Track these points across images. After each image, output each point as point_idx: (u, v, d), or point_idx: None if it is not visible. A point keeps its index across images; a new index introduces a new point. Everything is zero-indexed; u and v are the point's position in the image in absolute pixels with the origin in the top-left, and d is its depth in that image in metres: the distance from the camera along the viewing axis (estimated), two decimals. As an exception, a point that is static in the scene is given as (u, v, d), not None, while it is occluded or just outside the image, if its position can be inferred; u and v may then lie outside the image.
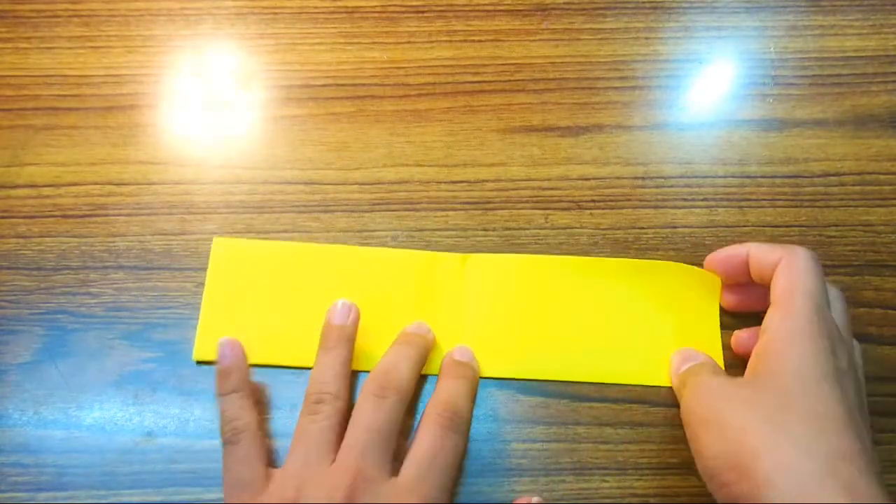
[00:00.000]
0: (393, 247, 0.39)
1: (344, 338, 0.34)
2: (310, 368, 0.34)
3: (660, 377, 0.36)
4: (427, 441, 0.31)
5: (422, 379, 0.35)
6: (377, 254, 0.38)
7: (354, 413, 0.32)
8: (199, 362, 0.36)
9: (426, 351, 0.35)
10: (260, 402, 0.35)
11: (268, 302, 0.37)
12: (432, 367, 0.35)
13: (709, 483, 0.29)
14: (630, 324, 0.36)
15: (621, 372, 0.36)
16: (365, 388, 0.32)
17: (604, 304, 0.37)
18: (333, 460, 0.30)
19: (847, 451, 0.27)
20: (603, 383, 0.36)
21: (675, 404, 0.35)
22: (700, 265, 0.37)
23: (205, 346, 0.36)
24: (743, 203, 0.40)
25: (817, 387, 0.28)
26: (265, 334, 0.36)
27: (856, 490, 0.25)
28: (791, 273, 0.32)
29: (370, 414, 0.31)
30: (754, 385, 0.30)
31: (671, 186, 0.40)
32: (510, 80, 0.43)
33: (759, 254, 0.34)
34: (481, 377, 0.35)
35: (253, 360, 0.35)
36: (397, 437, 0.32)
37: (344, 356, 0.34)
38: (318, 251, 0.38)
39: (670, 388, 0.35)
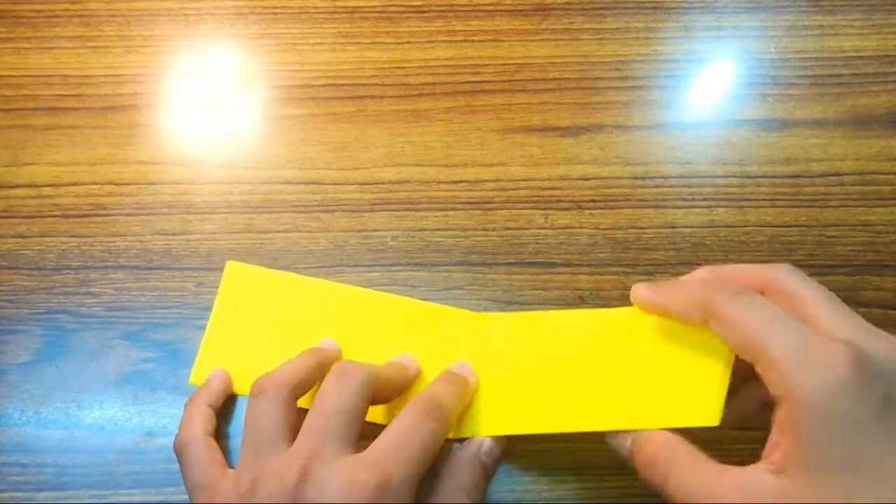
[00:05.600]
0: (393, 246, 0.39)
1: (319, 353, 0.32)
2: (304, 409, 0.30)
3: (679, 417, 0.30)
4: (400, 421, 0.28)
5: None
6: (391, 302, 0.36)
7: (315, 398, 0.29)
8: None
9: (406, 380, 0.33)
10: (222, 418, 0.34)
11: (273, 336, 0.35)
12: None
13: None
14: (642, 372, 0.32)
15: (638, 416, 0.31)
16: (328, 374, 0.30)
17: (616, 355, 0.32)
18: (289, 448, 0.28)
19: None
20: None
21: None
22: (700, 265, 0.37)
23: (203, 370, 0.35)
24: (743, 203, 0.40)
25: (881, 453, 0.23)
26: (263, 368, 0.33)
27: None
28: (736, 322, 0.26)
29: (332, 397, 0.29)
30: (810, 489, 0.23)
31: (671, 186, 0.40)
32: (510, 80, 0.43)
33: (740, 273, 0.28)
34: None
35: (246, 392, 0.33)
36: (362, 422, 0.29)
37: (312, 362, 0.32)
38: (332, 290, 0.36)
39: None
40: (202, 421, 0.32)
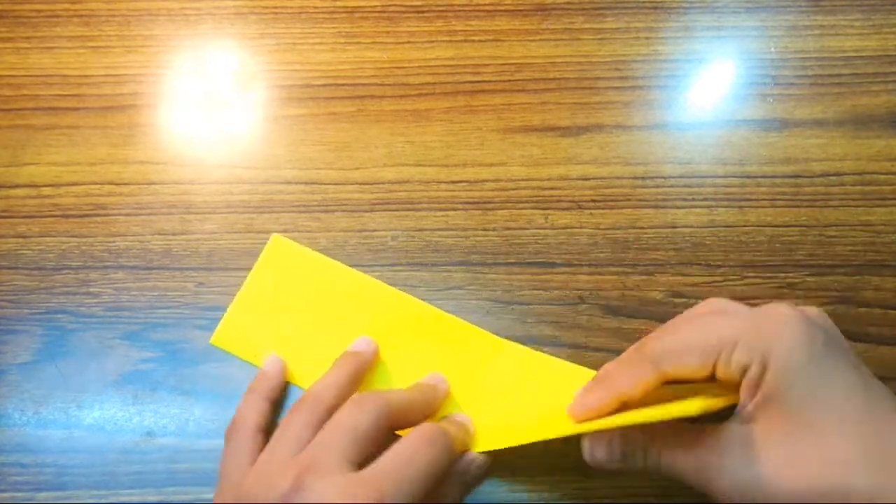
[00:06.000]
0: (393, 246, 0.39)
1: (357, 360, 0.33)
2: None
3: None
4: (403, 444, 0.28)
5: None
6: (420, 308, 0.36)
7: (334, 415, 0.30)
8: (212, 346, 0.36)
9: (434, 401, 0.33)
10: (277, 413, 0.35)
11: (300, 315, 0.36)
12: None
13: None
14: None
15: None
16: (350, 399, 0.31)
17: None
18: None
19: None
20: None
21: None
22: (700, 264, 0.37)
23: (226, 333, 0.36)
24: (743, 203, 0.40)
25: (835, 386, 0.26)
26: (285, 346, 0.36)
27: None
28: (688, 347, 0.28)
29: (347, 415, 0.29)
30: (780, 432, 0.26)
31: (671, 186, 0.40)
32: (510, 80, 0.43)
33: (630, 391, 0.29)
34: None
35: (260, 363, 0.35)
36: (372, 446, 0.29)
37: (352, 372, 0.33)
38: (370, 286, 0.37)
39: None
40: (257, 415, 0.32)
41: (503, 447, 0.31)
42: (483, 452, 0.32)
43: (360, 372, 0.34)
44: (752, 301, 0.37)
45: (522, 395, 0.34)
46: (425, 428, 0.29)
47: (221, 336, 0.36)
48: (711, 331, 0.28)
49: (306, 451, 0.28)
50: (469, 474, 0.31)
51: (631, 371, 0.29)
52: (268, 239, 0.39)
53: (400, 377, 0.35)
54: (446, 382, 0.34)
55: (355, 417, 0.29)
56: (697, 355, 0.27)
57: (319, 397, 0.31)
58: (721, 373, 0.27)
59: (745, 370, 0.27)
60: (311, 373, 0.34)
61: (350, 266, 0.38)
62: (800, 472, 0.25)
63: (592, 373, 0.33)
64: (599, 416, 0.29)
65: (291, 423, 0.30)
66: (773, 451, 0.26)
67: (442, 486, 0.30)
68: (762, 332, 0.27)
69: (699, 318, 0.30)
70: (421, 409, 0.32)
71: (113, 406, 0.36)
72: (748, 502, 0.26)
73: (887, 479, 0.24)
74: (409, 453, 0.28)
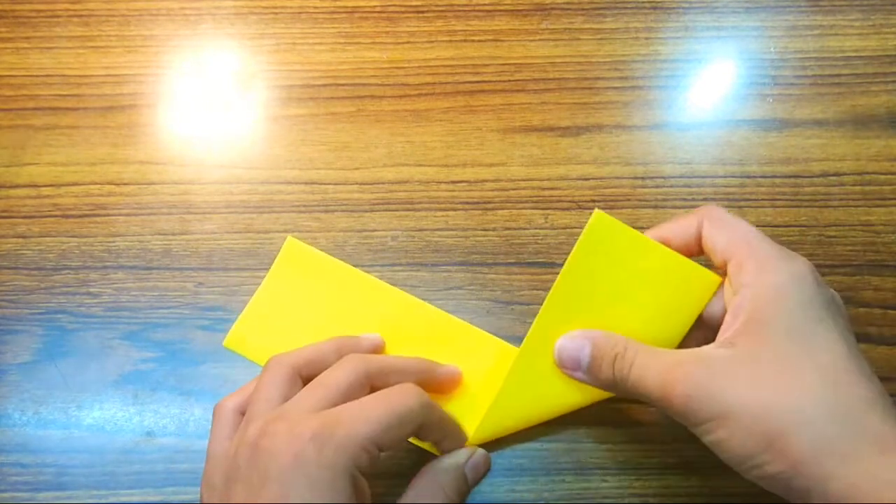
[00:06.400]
0: (393, 246, 0.39)
1: (349, 341, 0.33)
2: None
3: None
4: (375, 394, 0.29)
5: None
6: (433, 314, 0.36)
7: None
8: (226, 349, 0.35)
9: (422, 372, 0.33)
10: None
11: (313, 319, 0.35)
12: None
13: (736, 467, 0.27)
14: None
15: None
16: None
17: None
18: None
19: (864, 398, 0.26)
20: None
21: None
22: (700, 264, 0.37)
23: (239, 336, 0.35)
24: (743, 203, 0.40)
25: (817, 336, 0.27)
26: (295, 347, 0.34)
27: (885, 441, 0.25)
28: (725, 225, 0.30)
29: (325, 374, 0.30)
30: (750, 356, 0.27)
31: (671, 186, 0.40)
32: (510, 80, 0.43)
33: (675, 230, 0.32)
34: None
35: None
36: (349, 399, 0.29)
37: (337, 347, 0.32)
38: (383, 291, 0.36)
39: None
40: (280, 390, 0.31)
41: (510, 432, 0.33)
42: (484, 448, 0.32)
43: (347, 347, 0.33)
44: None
45: (532, 402, 0.34)
46: (401, 384, 0.30)
47: (234, 339, 0.35)
48: (751, 234, 0.30)
49: (280, 406, 0.29)
50: (470, 468, 0.32)
51: (687, 220, 0.32)
52: (268, 239, 0.39)
53: None
54: (453, 372, 0.34)
55: (331, 374, 0.30)
56: (724, 240, 0.30)
57: (287, 359, 0.31)
58: (732, 266, 0.29)
59: (735, 291, 0.29)
60: None
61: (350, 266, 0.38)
62: (760, 397, 0.26)
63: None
64: None
65: (259, 387, 0.30)
66: (742, 371, 0.27)
67: (436, 477, 0.31)
68: (771, 259, 0.29)
69: (747, 223, 0.31)
70: (405, 376, 0.32)
71: (113, 406, 0.36)
72: (696, 411, 0.27)
73: (834, 438, 0.25)
74: (374, 399, 0.29)
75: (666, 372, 0.28)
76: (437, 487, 0.31)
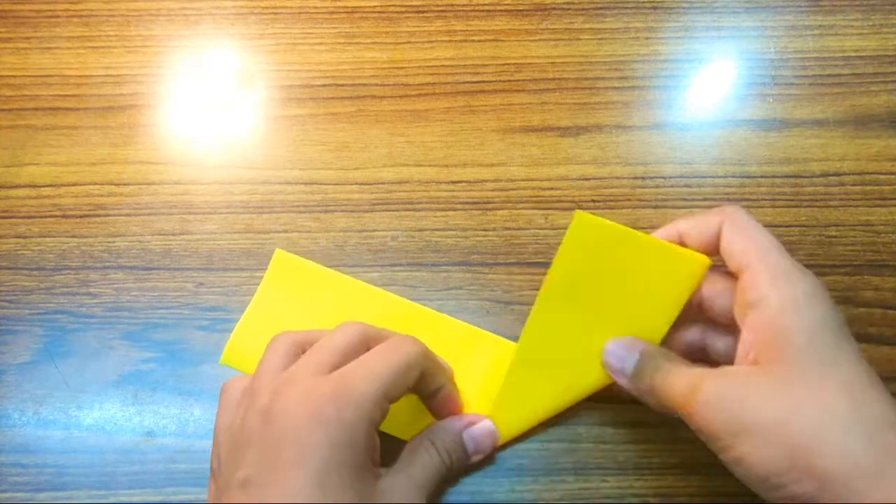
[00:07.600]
0: (393, 246, 0.39)
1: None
2: None
3: None
4: (375, 349, 0.30)
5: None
6: (425, 314, 0.36)
7: None
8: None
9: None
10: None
11: (307, 329, 0.35)
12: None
13: (759, 487, 0.26)
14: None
15: None
16: None
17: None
18: None
19: (885, 416, 0.25)
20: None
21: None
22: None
23: (234, 351, 0.35)
24: (743, 203, 0.40)
25: (838, 352, 0.26)
26: None
27: None
28: (743, 231, 0.30)
29: (326, 338, 0.30)
30: (772, 371, 0.27)
31: (671, 186, 0.40)
32: (510, 80, 0.43)
33: (694, 228, 0.31)
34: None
35: None
36: (351, 358, 0.30)
37: (357, 329, 0.32)
38: (375, 295, 0.37)
39: None
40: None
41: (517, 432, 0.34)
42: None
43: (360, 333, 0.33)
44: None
45: (531, 397, 0.34)
46: (397, 335, 0.31)
47: (230, 356, 0.35)
48: (769, 243, 0.29)
49: (286, 370, 0.29)
50: (470, 437, 0.33)
51: (709, 218, 0.31)
52: (268, 239, 0.39)
53: None
54: (449, 372, 0.34)
55: (329, 338, 0.30)
56: (741, 247, 0.30)
57: (295, 340, 0.32)
58: (747, 276, 0.29)
59: (751, 306, 0.28)
60: None
61: (350, 266, 0.38)
62: (782, 411, 0.26)
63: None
64: None
65: (262, 360, 0.31)
66: (764, 385, 0.27)
67: (432, 434, 0.32)
68: (785, 274, 0.28)
69: (769, 232, 0.31)
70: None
71: (113, 406, 0.36)
72: (718, 422, 0.27)
73: (860, 455, 0.24)
74: (376, 355, 0.29)
75: (691, 383, 0.28)
76: (428, 444, 0.32)
